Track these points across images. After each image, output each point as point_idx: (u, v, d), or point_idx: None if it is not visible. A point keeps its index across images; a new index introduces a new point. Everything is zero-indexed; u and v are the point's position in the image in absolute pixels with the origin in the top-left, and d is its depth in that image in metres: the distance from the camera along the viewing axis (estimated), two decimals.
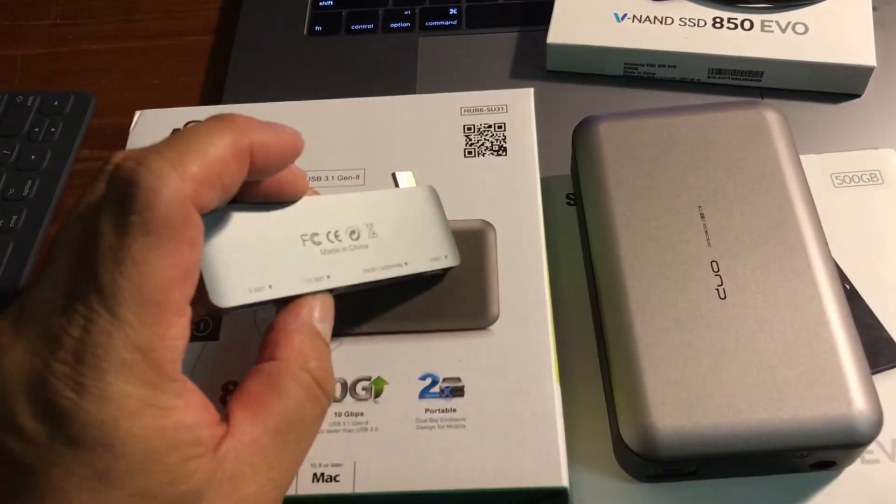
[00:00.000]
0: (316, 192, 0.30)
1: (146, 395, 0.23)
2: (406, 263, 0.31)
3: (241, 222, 0.27)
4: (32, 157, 0.54)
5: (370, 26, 0.57)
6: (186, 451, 0.23)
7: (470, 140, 0.39)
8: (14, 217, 0.51)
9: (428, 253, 0.33)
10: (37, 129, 0.56)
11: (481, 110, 0.40)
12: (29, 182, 0.53)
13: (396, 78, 0.55)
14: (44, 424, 0.22)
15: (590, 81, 0.53)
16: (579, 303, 0.41)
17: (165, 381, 0.23)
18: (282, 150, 0.27)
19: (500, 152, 0.38)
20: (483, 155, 0.38)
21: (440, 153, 0.38)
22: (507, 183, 0.37)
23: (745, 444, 0.34)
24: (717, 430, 0.34)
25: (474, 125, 0.39)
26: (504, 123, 0.39)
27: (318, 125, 0.40)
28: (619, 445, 0.35)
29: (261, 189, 0.28)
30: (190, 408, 0.24)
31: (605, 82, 0.53)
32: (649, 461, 0.34)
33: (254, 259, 0.27)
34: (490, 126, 0.39)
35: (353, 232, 0.30)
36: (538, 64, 0.54)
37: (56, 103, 0.57)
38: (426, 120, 0.40)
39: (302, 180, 0.29)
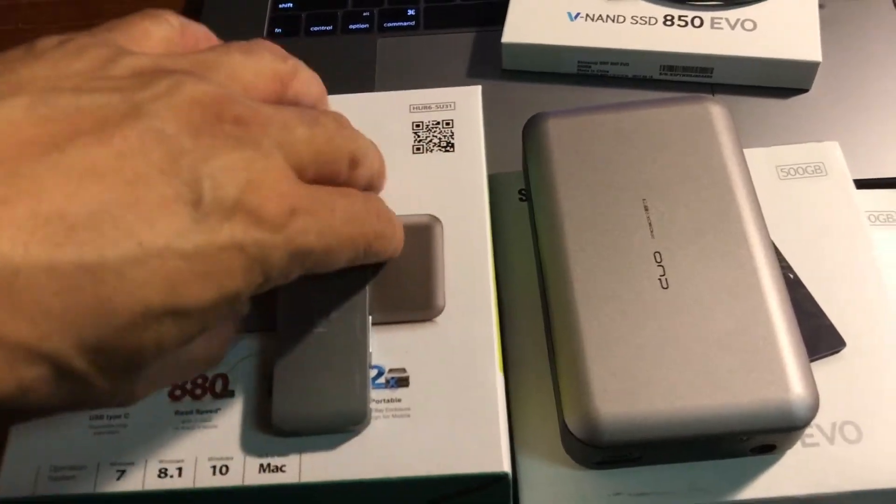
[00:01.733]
0: None
1: None
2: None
3: None
4: None
5: (329, 28, 0.58)
6: None
7: (418, 136, 0.39)
8: None
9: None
10: None
11: (430, 108, 0.40)
12: None
13: (355, 79, 0.55)
14: None
15: (544, 80, 0.54)
16: (529, 297, 0.42)
17: None
18: None
19: (448, 148, 0.39)
20: (431, 151, 0.39)
21: (390, 149, 0.39)
22: (455, 178, 0.38)
23: (687, 429, 0.35)
24: (659, 416, 0.35)
25: (423, 122, 0.40)
26: (452, 120, 0.40)
27: None
28: (565, 432, 0.36)
29: None
30: None
31: (560, 80, 0.54)
32: (593, 447, 0.35)
33: None
34: (438, 123, 0.40)
35: None
36: (495, 63, 0.55)
37: None
38: (377, 117, 0.40)
39: None
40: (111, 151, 0.23)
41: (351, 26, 0.58)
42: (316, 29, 0.58)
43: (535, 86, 0.54)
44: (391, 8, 0.58)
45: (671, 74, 0.53)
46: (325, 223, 0.27)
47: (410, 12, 0.58)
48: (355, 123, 0.40)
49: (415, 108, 0.41)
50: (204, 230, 0.23)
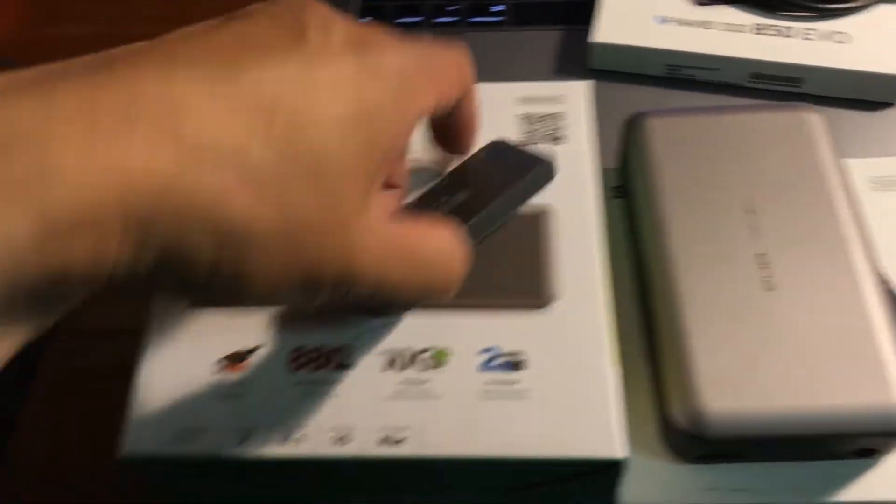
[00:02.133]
0: None
1: None
2: None
3: None
4: None
5: (417, 20, 0.59)
6: None
7: (527, 128, 0.40)
8: None
9: None
10: None
11: (538, 100, 0.41)
12: None
13: None
14: None
15: (631, 81, 0.55)
16: (619, 292, 0.42)
17: None
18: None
19: (557, 140, 0.40)
20: (540, 143, 0.40)
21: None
22: (565, 170, 0.39)
23: (792, 428, 0.35)
24: (765, 414, 0.35)
25: (531, 114, 0.41)
26: (561, 113, 0.40)
27: None
28: (669, 425, 0.37)
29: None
30: None
31: (646, 82, 0.55)
32: (698, 441, 0.35)
33: None
34: (547, 115, 0.40)
35: None
36: (581, 62, 0.56)
37: None
38: (484, 107, 0.41)
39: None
40: None
41: (438, 19, 0.59)
42: (403, 21, 0.59)
43: (621, 86, 0.55)
44: (479, 3, 0.59)
45: (759, 83, 0.53)
46: None
47: (498, 8, 0.59)
48: None
49: (522, 101, 0.41)
50: None
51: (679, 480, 0.38)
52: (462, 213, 0.36)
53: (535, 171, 0.37)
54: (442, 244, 0.29)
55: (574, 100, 0.41)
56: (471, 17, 0.58)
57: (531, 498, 0.35)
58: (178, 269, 0.21)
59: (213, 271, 0.22)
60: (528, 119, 0.40)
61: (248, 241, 0.22)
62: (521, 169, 0.37)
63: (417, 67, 0.28)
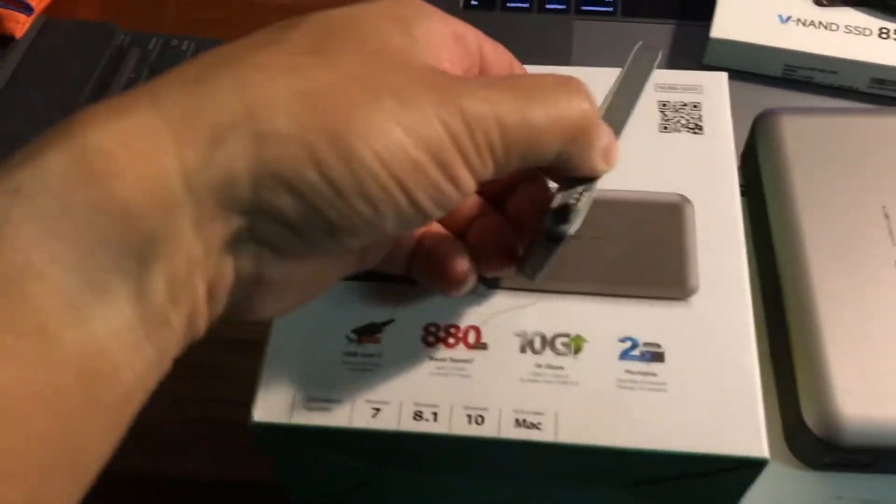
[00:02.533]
0: None
1: None
2: None
3: None
4: None
5: (526, 5, 0.58)
6: None
7: (665, 116, 0.39)
8: None
9: None
10: None
11: (676, 88, 0.40)
12: None
13: (550, 58, 0.55)
14: None
15: (746, 79, 0.54)
16: None
17: None
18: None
19: (696, 130, 0.39)
20: (679, 131, 0.39)
21: (636, 126, 0.39)
22: (704, 160, 0.38)
23: None
24: None
25: (669, 102, 0.40)
26: (699, 103, 0.40)
27: None
28: (799, 430, 0.35)
29: None
30: None
31: (762, 81, 0.53)
32: (831, 447, 0.34)
33: None
34: (686, 104, 0.39)
35: None
36: (694, 57, 0.55)
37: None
38: None
39: None
40: None
41: (548, 6, 0.58)
42: (512, 5, 0.58)
43: (736, 83, 0.53)
44: None
45: (880, 88, 0.52)
46: None
47: None
48: (599, 97, 0.40)
49: (660, 88, 0.40)
50: None
51: (803, 487, 0.37)
52: None
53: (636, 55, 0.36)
54: (550, 79, 0.27)
55: (713, 90, 0.40)
56: (583, 6, 0.58)
57: (656, 496, 0.35)
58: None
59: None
60: (667, 107, 0.39)
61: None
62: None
63: None
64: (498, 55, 0.31)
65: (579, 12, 0.57)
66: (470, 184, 0.25)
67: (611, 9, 0.57)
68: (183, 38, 0.58)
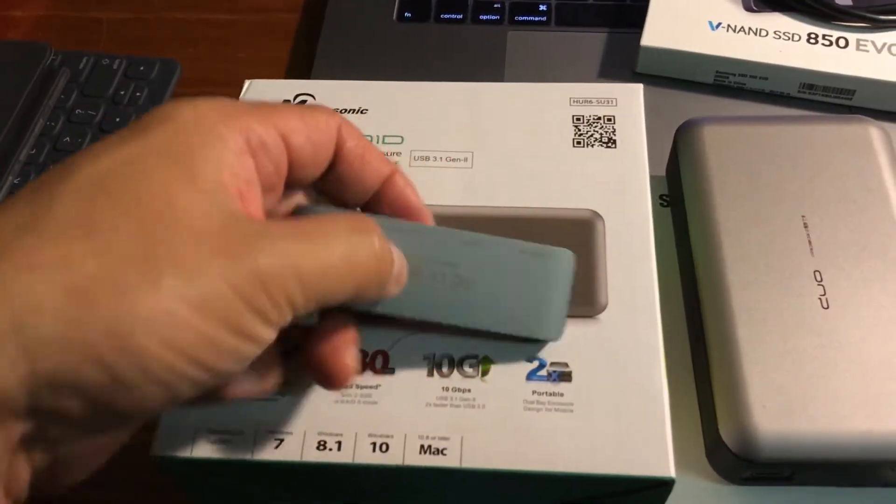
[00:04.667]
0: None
1: None
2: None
3: None
4: (117, 119, 0.55)
5: (459, 17, 0.58)
6: None
7: (579, 130, 0.39)
8: None
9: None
10: (122, 93, 0.56)
11: (591, 102, 0.40)
12: None
13: (484, 69, 0.55)
14: None
15: (677, 87, 0.53)
16: (664, 302, 0.41)
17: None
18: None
19: (610, 145, 0.38)
20: (592, 146, 0.38)
21: (549, 141, 0.38)
22: (617, 175, 0.37)
23: (845, 453, 0.34)
24: (818, 437, 0.34)
25: (583, 116, 0.39)
26: (613, 116, 0.39)
27: (428, 106, 0.40)
28: (717, 445, 0.35)
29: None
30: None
31: (694, 89, 0.53)
32: (748, 462, 0.34)
33: None
34: (599, 118, 0.39)
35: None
36: (626, 65, 0.54)
37: (142, 69, 0.57)
38: (535, 107, 0.40)
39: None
40: None
41: (481, 17, 0.57)
42: (446, 16, 0.58)
43: (668, 91, 0.53)
44: (523, 2, 0.58)
45: (810, 93, 0.52)
46: None
47: (542, 8, 0.58)
48: (513, 113, 0.39)
49: (575, 102, 0.40)
50: None
51: (725, 502, 0.36)
52: None
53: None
54: (342, 222, 0.26)
55: (628, 103, 0.40)
56: (516, 16, 0.57)
57: None
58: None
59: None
60: (581, 121, 0.39)
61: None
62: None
63: None
64: (375, 158, 0.30)
65: (513, 23, 0.57)
66: (269, 335, 0.24)
67: (544, 18, 0.57)
68: (114, 58, 0.57)
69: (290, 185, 0.29)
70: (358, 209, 0.31)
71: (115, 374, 0.21)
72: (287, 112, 0.27)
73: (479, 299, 0.31)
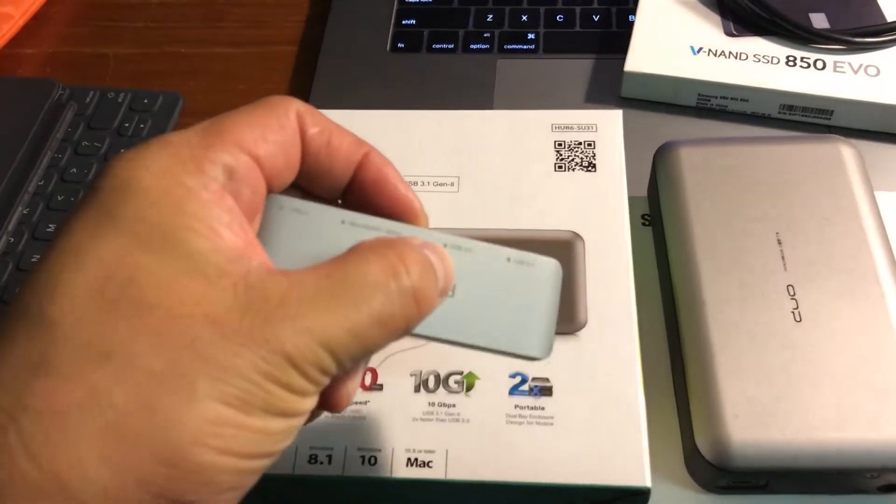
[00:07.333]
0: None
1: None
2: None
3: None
4: (122, 150, 0.57)
5: (450, 46, 0.60)
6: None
7: (560, 155, 0.41)
8: None
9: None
10: (126, 125, 0.58)
11: (572, 128, 0.42)
12: None
13: (475, 97, 0.57)
14: None
15: (662, 110, 0.55)
16: (648, 319, 0.43)
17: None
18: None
19: (590, 168, 0.40)
20: (573, 170, 0.40)
21: (532, 165, 0.40)
22: (596, 197, 0.39)
23: (817, 461, 0.35)
24: (790, 446, 0.35)
25: (565, 141, 0.41)
26: (594, 141, 0.41)
27: (415, 133, 0.42)
28: (693, 455, 0.37)
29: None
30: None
31: (677, 112, 0.55)
32: (722, 471, 0.36)
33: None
34: (580, 143, 0.41)
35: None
36: (612, 90, 0.56)
37: (146, 101, 0.59)
38: (518, 133, 0.42)
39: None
40: None
41: (471, 46, 0.59)
42: (437, 46, 0.60)
43: (653, 115, 0.55)
44: (512, 31, 0.60)
45: (790, 114, 0.53)
46: None
47: (531, 36, 0.60)
48: (497, 139, 0.41)
49: (557, 128, 0.42)
50: None
51: None
52: None
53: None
54: (373, 267, 0.23)
55: (607, 128, 0.42)
56: (505, 45, 0.59)
57: None
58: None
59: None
60: (563, 146, 0.41)
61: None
62: None
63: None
64: (345, 143, 0.27)
65: (502, 51, 0.59)
66: (311, 402, 0.23)
67: (532, 46, 0.59)
68: (119, 91, 0.60)
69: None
70: (339, 202, 0.28)
71: (179, 493, 0.20)
72: (240, 123, 0.25)
73: (463, 308, 0.31)
